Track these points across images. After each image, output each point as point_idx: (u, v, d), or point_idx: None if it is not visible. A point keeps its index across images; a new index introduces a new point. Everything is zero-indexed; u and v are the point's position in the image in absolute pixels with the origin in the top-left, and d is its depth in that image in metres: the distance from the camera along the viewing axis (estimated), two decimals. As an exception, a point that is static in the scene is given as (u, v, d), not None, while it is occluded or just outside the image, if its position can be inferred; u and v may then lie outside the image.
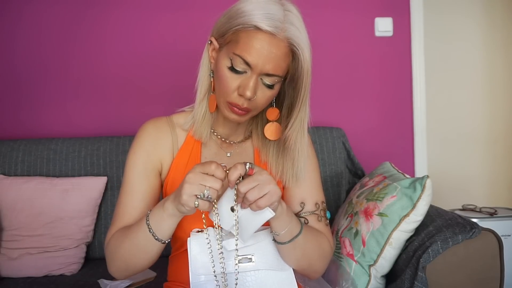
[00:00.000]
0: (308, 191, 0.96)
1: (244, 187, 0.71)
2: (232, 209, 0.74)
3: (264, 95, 0.82)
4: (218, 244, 0.77)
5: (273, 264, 0.86)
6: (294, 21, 0.78)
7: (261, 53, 0.77)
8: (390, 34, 1.94)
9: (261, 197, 0.71)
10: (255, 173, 0.72)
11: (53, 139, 1.64)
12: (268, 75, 0.79)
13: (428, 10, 2.09)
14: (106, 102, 1.83)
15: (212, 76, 0.87)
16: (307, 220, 0.94)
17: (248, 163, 0.72)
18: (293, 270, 0.90)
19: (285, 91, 0.88)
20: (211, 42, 0.86)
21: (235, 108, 0.82)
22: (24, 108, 1.80)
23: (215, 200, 0.71)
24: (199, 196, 0.69)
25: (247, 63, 0.78)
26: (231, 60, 0.79)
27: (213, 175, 0.70)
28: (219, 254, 0.77)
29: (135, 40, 1.83)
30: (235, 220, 0.74)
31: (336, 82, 1.94)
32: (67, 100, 1.81)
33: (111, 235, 0.87)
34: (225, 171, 0.71)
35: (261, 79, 0.80)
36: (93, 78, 1.82)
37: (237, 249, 0.78)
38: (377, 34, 1.94)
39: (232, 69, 0.80)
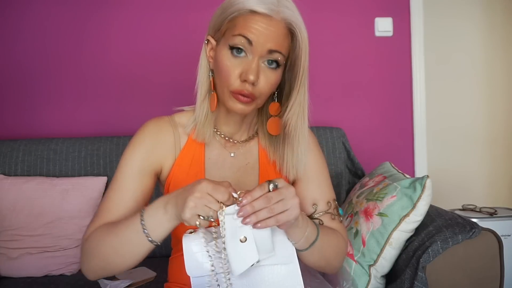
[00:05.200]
0: (319, 191, 0.94)
1: (272, 199, 0.68)
2: (245, 239, 0.69)
3: (267, 80, 0.81)
4: (205, 247, 0.74)
5: (277, 259, 0.84)
6: (287, 4, 0.80)
7: (261, 32, 0.77)
8: (390, 34, 1.94)
9: (283, 212, 0.69)
10: (281, 188, 0.70)
11: (53, 139, 1.64)
12: (270, 52, 0.79)
13: (428, 10, 2.09)
14: (106, 102, 1.83)
15: (212, 76, 0.87)
16: (321, 220, 0.93)
17: (271, 184, 0.69)
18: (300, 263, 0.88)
19: (286, 81, 0.87)
20: (208, 41, 0.85)
21: (240, 96, 0.81)
22: (24, 108, 1.80)
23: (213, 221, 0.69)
24: (202, 217, 0.67)
25: (248, 40, 0.77)
26: (230, 45, 0.79)
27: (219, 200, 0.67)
28: (207, 253, 0.75)
29: (136, 40, 1.83)
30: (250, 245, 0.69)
31: (336, 82, 1.94)
32: (67, 100, 1.82)
33: (92, 230, 0.82)
34: (232, 196, 0.68)
35: (262, 63, 0.80)
36: (93, 78, 1.82)
37: (224, 248, 0.72)
38: (377, 34, 1.94)
39: (233, 50, 0.79)
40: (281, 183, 0.70)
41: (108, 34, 1.82)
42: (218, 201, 0.67)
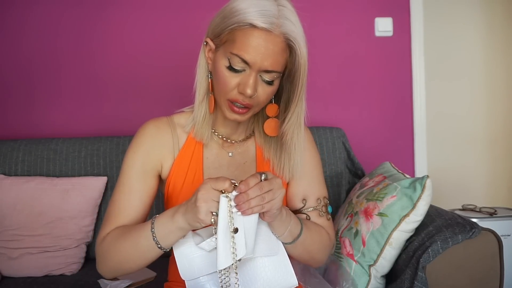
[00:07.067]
0: (310, 187, 0.96)
1: (265, 187, 0.71)
2: (236, 230, 0.71)
3: (264, 92, 0.82)
4: (196, 250, 0.78)
5: (266, 250, 0.84)
6: (289, 16, 0.79)
7: (259, 50, 0.77)
8: (390, 34, 1.94)
9: (268, 201, 0.72)
10: (270, 178, 0.73)
11: (53, 139, 1.64)
12: (267, 71, 0.80)
13: (428, 10, 2.09)
14: (106, 102, 1.83)
15: (210, 77, 0.87)
16: (308, 216, 0.95)
17: (263, 174, 0.72)
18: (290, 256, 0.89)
19: (283, 86, 0.88)
20: (207, 43, 0.86)
21: (235, 108, 0.83)
22: (24, 108, 1.80)
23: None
24: (215, 214, 0.70)
25: (245, 62, 0.78)
26: (229, 59, 0.79)
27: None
28: (198, 255, 0.78)
29: (136, 40, 1.83)
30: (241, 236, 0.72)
31: (336, 82, 1.94)
32: (67, 100, 1.82)
33: (106, 234, 0.86)
34: (234, 185, 0.71)
35: (260, 75, 0.81)
36: (93, 78, 1.82)
37: (216, 248, 0.74)
38: (377, 34, 1.94)
39: (231, 68, 0.80)
40: (270, 174, 0.74)
41: (108, 34, 1.82)
42: (221, 192, 0.71)
